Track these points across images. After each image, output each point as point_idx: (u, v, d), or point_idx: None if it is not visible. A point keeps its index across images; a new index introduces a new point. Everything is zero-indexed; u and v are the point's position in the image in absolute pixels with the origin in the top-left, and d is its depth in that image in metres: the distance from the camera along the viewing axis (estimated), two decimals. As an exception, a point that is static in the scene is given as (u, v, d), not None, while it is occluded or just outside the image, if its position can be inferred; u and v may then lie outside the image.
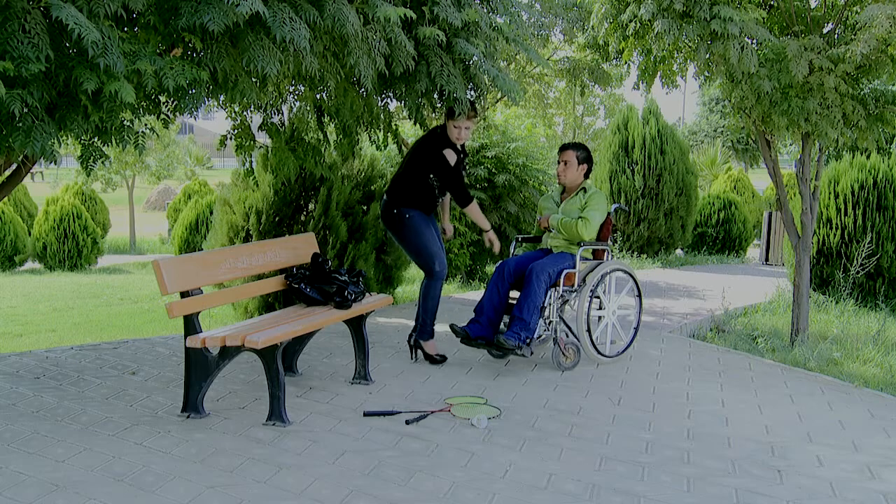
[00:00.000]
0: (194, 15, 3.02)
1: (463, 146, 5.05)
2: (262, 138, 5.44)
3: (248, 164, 5.56)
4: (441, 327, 6.01)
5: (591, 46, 8.06)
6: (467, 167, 4.86)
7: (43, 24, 2.75)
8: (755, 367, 5.36)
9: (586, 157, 5.19)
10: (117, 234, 22.77)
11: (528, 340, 4.77)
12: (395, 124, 5.60)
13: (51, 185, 30.43)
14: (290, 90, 5.21)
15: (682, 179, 12.23)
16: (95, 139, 3.33)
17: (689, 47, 5.70)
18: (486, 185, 9.14)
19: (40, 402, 4.13)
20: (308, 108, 5.19)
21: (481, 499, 3.09)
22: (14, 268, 14.82)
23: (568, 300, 5.10)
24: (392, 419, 3.98)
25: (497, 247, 5.28)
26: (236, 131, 5.22)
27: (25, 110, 2.88)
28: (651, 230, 12.18)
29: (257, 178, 6.70)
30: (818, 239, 8.56)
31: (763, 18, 5.32)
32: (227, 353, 3.88)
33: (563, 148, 5.23)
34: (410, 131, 9.51)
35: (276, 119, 5.28)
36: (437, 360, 5.11)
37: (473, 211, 5.06)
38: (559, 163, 5.19)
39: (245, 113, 5.20)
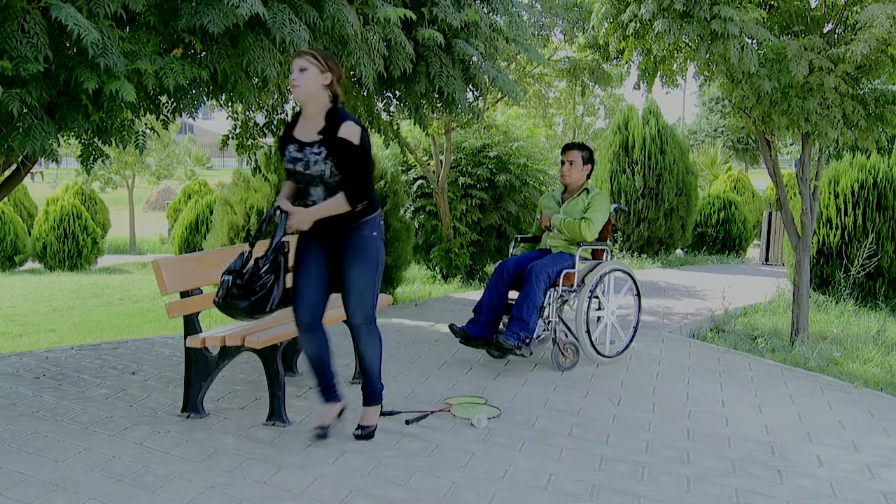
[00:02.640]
0: (194, 16, 3.03)
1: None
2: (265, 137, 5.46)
3: (254, 163, 5.58)
4: (441, 328, 6.01)
5: (591, 46, 8.06)
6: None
7: (42, 25, 2.76)
8: (755, 367, 5.35)
9: (590, 158, 5.18)
10: (117, 234, 22.76)
11: (527, 340, 4.76)
12: (397, 124, 5.59)
13: (51, 185, 30.43)
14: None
15: (682, 179, 12.22)
16: (96, 139, 3.33)
17: (689, 47, 5.70)
18: (486, 184, 9.15)
19: (40, 402, 4.13)
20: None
21: (481, 499, 3.09)
22: (14, 268, 14.82)
23: (567, 300, 5.10)
24: (392, 419, 3.98)
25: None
26: (237, 130, 5.23)
27: (25, 110, 2.88)
28: (651, 230, 12.18)
29: (266, 176, 6.70)
30: (818, 239, 8.55)
31: (763, 18, 5.32)
32: (227, 353, 3.88)
33: (568, 147, 5.20)
34: (413, 131, 9.52)
35: (278, 119, 5.29)
36: (316, 431, 3.68)
37: None
38: (563, 162, 5.17)
39: (248, 112, 5.21)
